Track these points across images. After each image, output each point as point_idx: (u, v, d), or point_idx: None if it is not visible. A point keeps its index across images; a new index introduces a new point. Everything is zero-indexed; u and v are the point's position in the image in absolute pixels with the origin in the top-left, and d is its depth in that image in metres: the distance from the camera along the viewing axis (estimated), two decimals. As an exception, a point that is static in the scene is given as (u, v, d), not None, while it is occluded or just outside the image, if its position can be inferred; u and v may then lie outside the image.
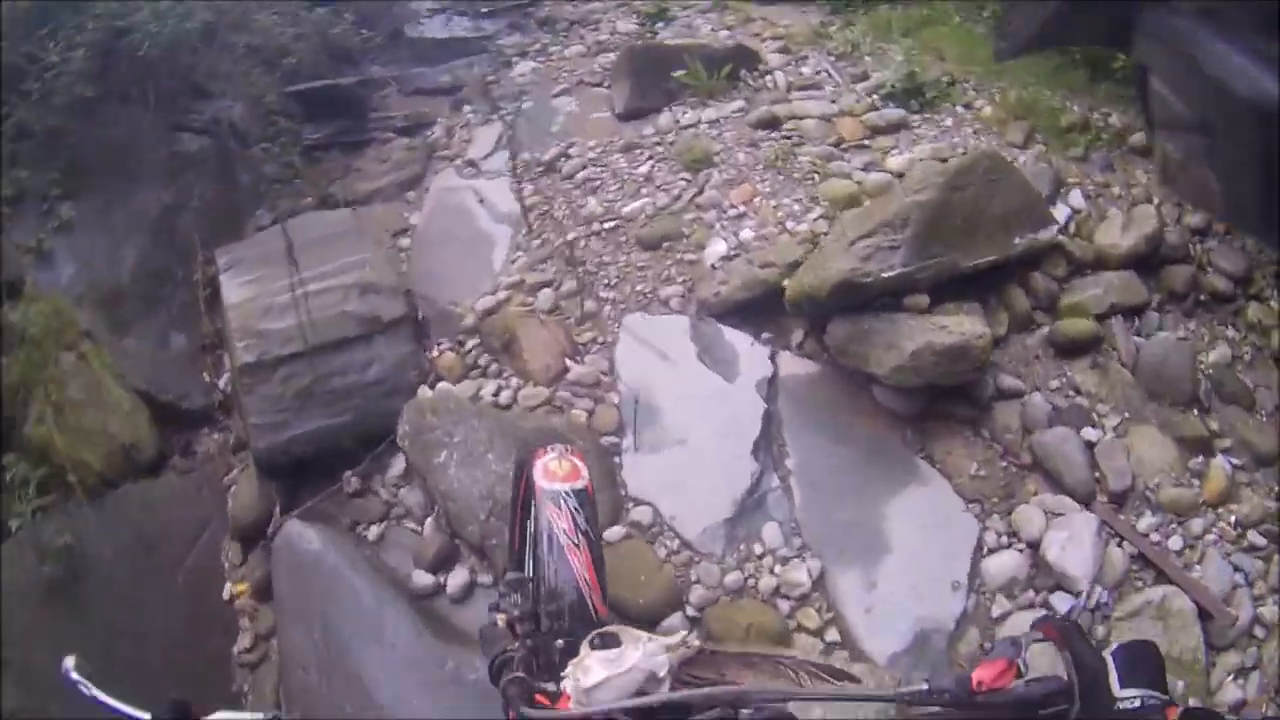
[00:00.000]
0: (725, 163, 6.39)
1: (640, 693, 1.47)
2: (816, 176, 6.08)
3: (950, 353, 4.68)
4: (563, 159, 7.01)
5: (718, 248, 5.79)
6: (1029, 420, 4.98)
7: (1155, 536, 4.64)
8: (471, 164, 7.49)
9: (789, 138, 6.51)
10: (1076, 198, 5.93)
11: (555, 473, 2.26)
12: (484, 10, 10.45)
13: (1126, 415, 5.06)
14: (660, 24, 8.67)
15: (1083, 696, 1.23)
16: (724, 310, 5.46)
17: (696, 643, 1.67)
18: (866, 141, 6.39)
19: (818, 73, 7.32)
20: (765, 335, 5.42)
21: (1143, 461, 4.86)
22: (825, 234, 5.60)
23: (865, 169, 6.11)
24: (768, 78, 7.32)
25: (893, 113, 6.52)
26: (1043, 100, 6.47)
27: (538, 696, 1.62)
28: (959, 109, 6.62)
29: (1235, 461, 5.03)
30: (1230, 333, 5.56)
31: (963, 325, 4.78)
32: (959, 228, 5.04)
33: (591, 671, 1.49)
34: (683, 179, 6.33)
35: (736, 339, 5.39)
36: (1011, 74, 6.78)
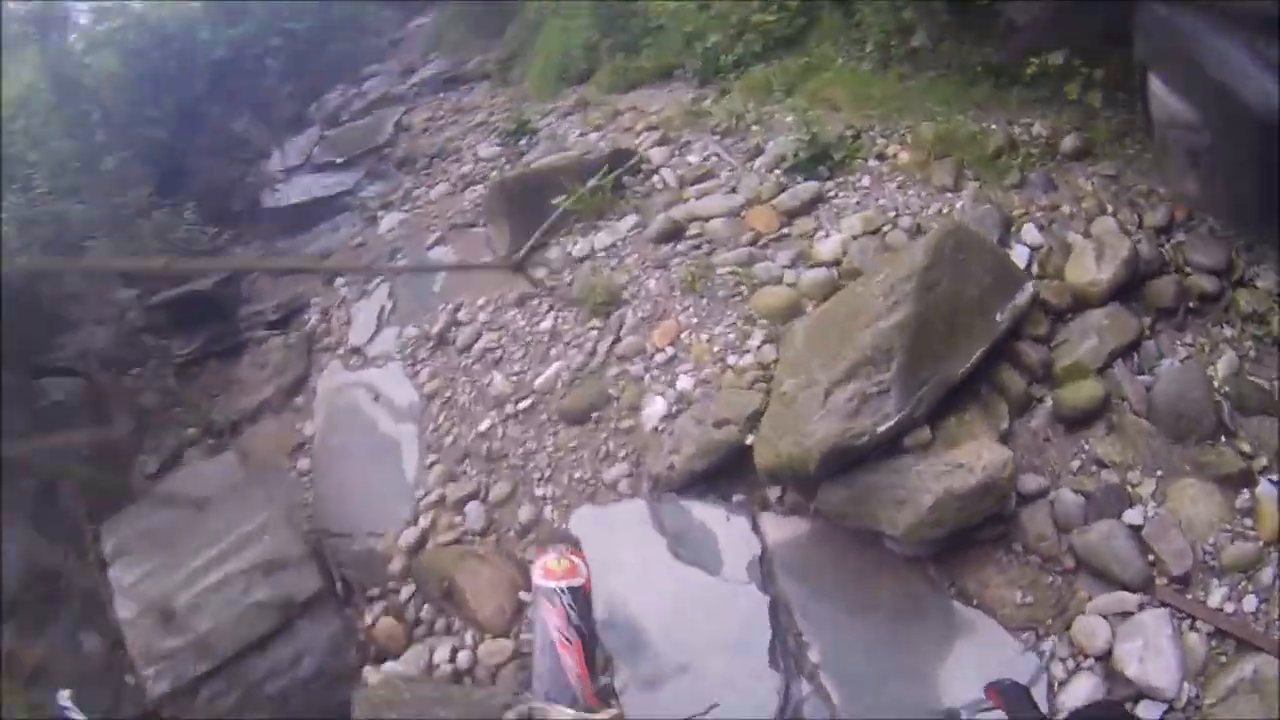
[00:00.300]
0: (636, 296, 5.53)
1: None
2: (744, 289, 5.23)
3: (974, 495, 3.89)
4: (454, 328, 6.13)
5: (656, 407, 4.89)
6: (1062, 519, 4.17)
7: (1229, 607, 3.87)
8: (356, 352, 6.60)
9: (698, 247, 5.70)
10: (1031, 233, 5.15)
11: (554, 570, 2.32)
12: (339, 162, 9.77)
13: (1160, 473, 4.30)
14: (523, 140, 7.83)
15: None
16: (683, 483, 4.56)
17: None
18: (785, 230, 5.56)
19: (707, 158, 6.51)
20: (737, 499, 4.52)
21: (1192, 523, 4.10)
22: (774, 361, 4.75)
23: (794, 265, 5.29)
24: (655, 178, 6.49)
25: (804, 188, 5.71)
26: (958, 128, 5.73)
27: None
28: (872, 162, 5.82)
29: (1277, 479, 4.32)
30: (1227, 331, 4.80)
31: (981, 457, 3.98)
32: (943, 333, 4.28)
33: None
34: (593, 328, 5.46)
35: (707, 515, 4.50)
36: (914, 106, 6.04)
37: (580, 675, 2.06)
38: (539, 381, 5.34)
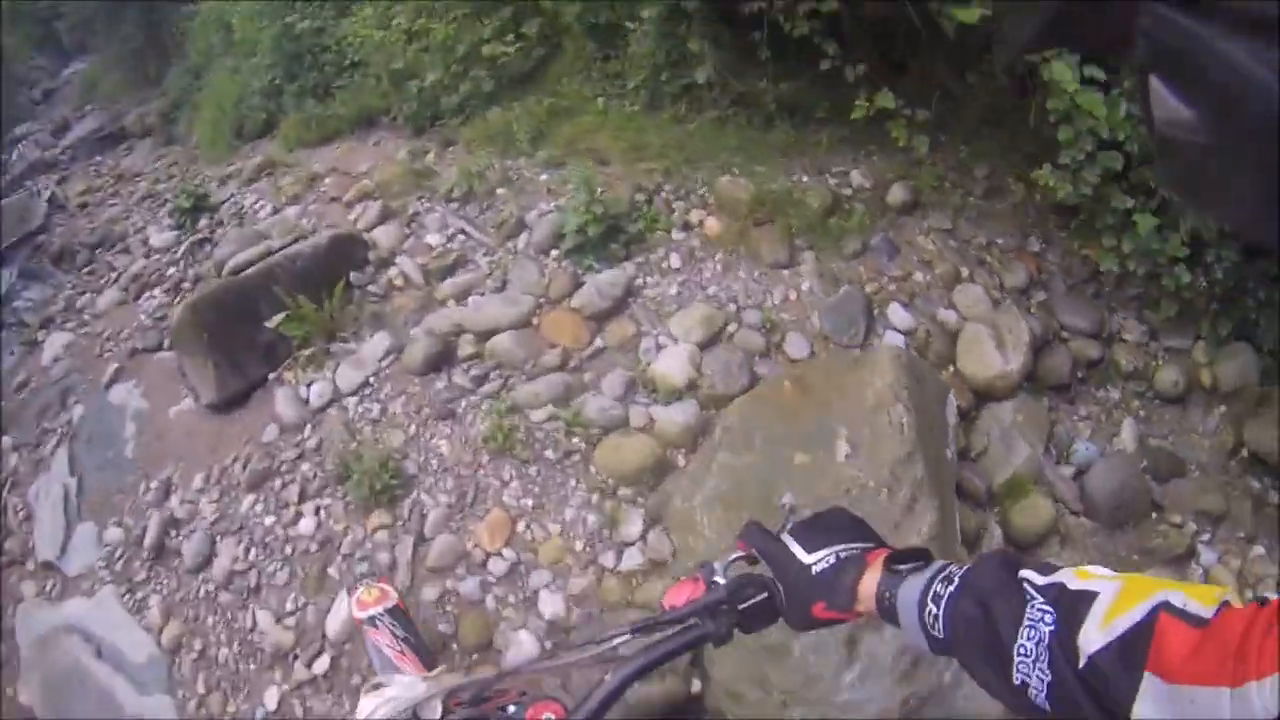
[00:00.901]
0: (427, 470, 3.68)
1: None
2: (578, 443, 3.63)
3: None
4: (171, 531, 3.93)
5: (523, 648, 3.16)
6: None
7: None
8: (51, 570, 4.16)
9: (485, 378, 3.97)
10: (897, 314, 4.05)
11: (367, 601, 2.34)
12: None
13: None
14: (202, 219, 5.54)
15: (780, 581, 1.17)
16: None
17: (457, 676, 1.75)
18: (599, 342, 4.02)
19: (451, 238, 4.73)
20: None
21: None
22: (673, 550, 3.27)
23: (629, 396, 3.80)
24: (391, 270, 4.61)
25: (607, 280, 4.17)
26: (766, 182, 4.51)
27: None
28: (677, 234, 4.41)
29: (1215, 545, 3.95)
30: (1113, 394, 4.24)
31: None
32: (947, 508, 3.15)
33: (361, 709, 1.57)
34: (380, 527, 3.55)
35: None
36: (703, 156, 4.73)
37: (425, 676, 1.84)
38: (332, 625, 3.35)
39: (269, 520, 3.77)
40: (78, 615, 3.86)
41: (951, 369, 4.04)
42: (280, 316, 4.28)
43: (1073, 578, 0.90)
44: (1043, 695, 0.87)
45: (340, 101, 5.82)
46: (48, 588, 4.08)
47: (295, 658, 3.42)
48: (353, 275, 4.60)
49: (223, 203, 5.61)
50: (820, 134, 4.72)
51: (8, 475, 4.70)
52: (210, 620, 3.61)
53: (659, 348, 3.98)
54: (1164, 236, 3.92)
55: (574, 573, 3.35)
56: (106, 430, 4.58)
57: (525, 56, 5.22)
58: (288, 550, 3.66)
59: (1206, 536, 3.94)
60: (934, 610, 1.00)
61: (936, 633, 1.01)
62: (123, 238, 5.90)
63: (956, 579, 1.01)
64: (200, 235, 5.32)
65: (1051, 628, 0.87)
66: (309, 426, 4.05)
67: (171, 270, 5.26)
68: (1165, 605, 0.80)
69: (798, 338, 4.03)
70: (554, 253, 4.47)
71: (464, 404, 3.92)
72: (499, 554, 3.43)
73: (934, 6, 4.24)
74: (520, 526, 3.49)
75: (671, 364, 3.87)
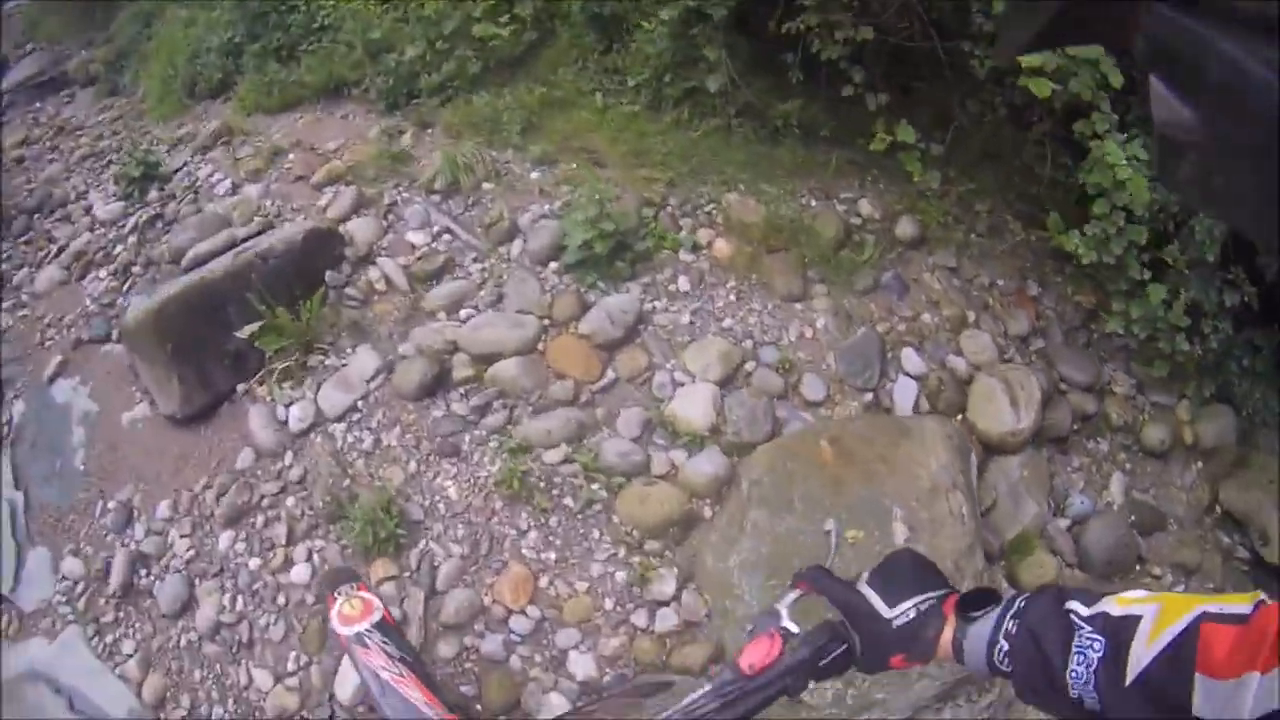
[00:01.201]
0: (434, 515, 3.33)
1: None
2: (601, 491, 3.34)
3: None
4: (141, 569, 3.47)
5: (554, 710, 2.91)
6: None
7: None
8: (3, 603, 3.66)
9: (487, 407, 3.62)
10: (911, 360, 3.93)
11: (351, 616, 2.13)
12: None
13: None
14: (152, 190, 4.89)
15: (857, 630, 1.15)
16: None
17: None
18: (610, 373, 3.71)
19: (436, 236, 4.30)
20: None
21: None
22: (707, 612, 3.11)
23: (646, 437, 3.53)
24: (371, 273, 4.15)
25: (617, 304, 3.86)
26: (776, 204, 4.28)
27: None
28: (685, 255, 4.13)
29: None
30: (1102, 446, 4.26)
31: None
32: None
33: None
34: (387, 578, 3.20)
35: None
36: (708, 169, 4.45)
37: (428, 700, 1.91)
38: (343, 688, 2.98)
39: (254, 563, 3.37)
40: (43, 660, 3.33)
41: (960, 417, 4.03)
42: (254, 327, 3.80)
43: (1115, 605, 0.95)
44: (1098, 709, 0.91)
45: (306, 67, 5.16)
46: (4, 624, 3.56)
47: (296, 717, 3.16)
48: (328, 274, 4.20)
49: (175, 172, 4.93)
50: (828, 154, 4.51)
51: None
52: (197, 674, 3.22)
53: (675, 384, 3.75)
54: (1168, 304, 4.01)
55: (604, 632, 3.13)
56: (51, 435, 4.00)
57: (515, 40, 4.79)
58: (280, 600, 3.28)
59: (1181, 588, 4.06)
60: (1004, 647, 1.04)
61: (1005, 668, 1.04)
62: (63, 203, 5.15)
63: (1016, 615, 1.04)
64: (151, 210, 4.68)
65: (1100, 654, 0.91)
66: (290, 454, 3.60)
67: (120, 250, 4.62)
68: (1204, 615, 0.85)
69: (814, 380, 3.88)
70: (553, 265, 4.14)
71: (468, 439, 3.58)
72: (522, 611, 3.20)
73: (965, 46, 4.15)
74: (543, 582, 3.24)
75: (692, 405, 3.65)
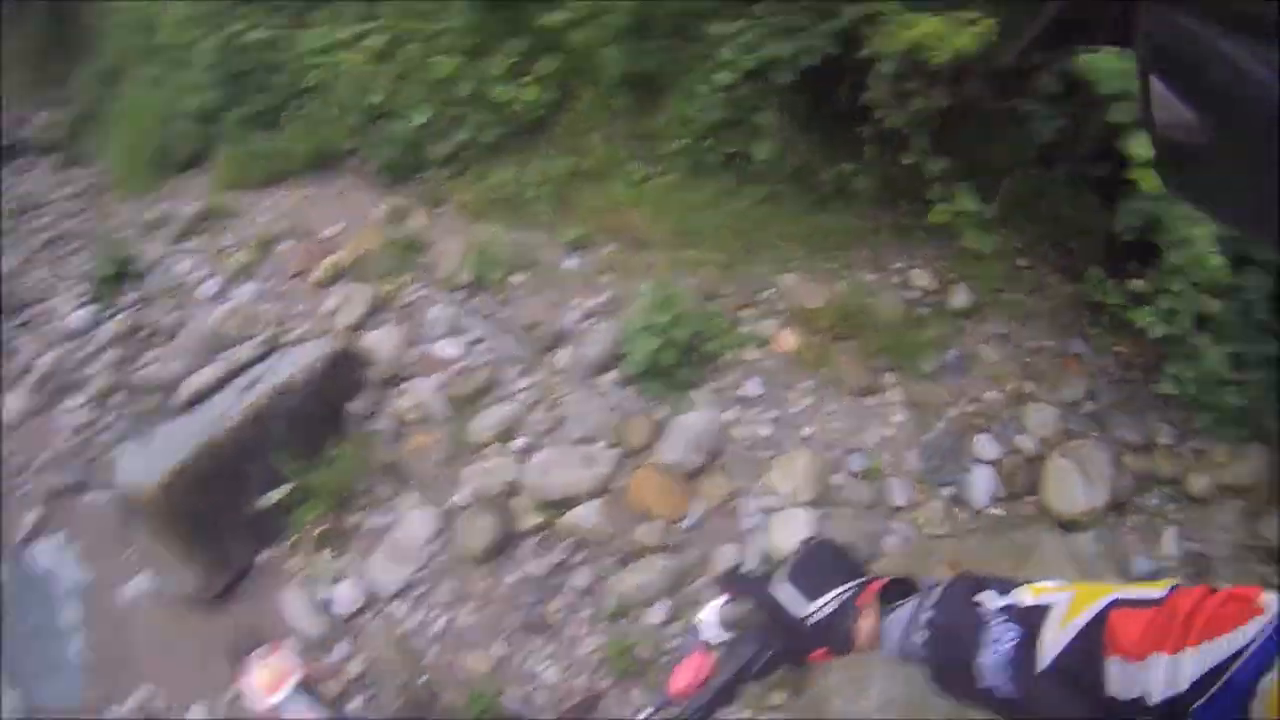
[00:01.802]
0: (533, 708, 3.00)
1: None
2: None
3: None
4: None
5: None
6: None
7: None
8: None
9: (568, 565, 3.29)
10: (984, 445, 3.77)
11: (270, 684, 2.03)
12: None
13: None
14: (127, 290, 4.34)
15: (777, 631, 1.16)
16: None
17: None
18: (697, 504, 3.39)
19: (468, 349, 3.84)
20: None
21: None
22: None
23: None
24: (401, 399, 3.69)
25: (692, 423, 3.49)
26: (834, 284, 4.02)
27: None
28: (751, 353, 3.80)
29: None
30: (1152, 501, 4.25)
31: None
32: None
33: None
34: None
35: None
36: (760, 244, 4.14)
37: None
38: None
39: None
40: None
41: (1032, 498, 4.02)
42: (282, 492, 3.35)
43: (1029, 595, 0.96)
44: (1012, 696, 0.92)
45: (292, 135, 4.45)
46: None
47: None
48: (349, 405, 3.74)
49: (150, 268, 4.31)
50: (876, 220, 4.24)
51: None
52: None
53: (765, 511, 3.61)
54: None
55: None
56: (38, 614, 3.38)
57: (536, 102, 4.27)
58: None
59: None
60: (918, 636, 1.04)
61: (919, 656, 1.04)
62: (27, 305, 4.49)
63: (930, 608, 1.03)
64: (127, 317, 4.10)
65: (1013, 643, 0.92)
66: (345, 644, 3.18)
67: (95, 368, 4.07)
68: (1116, 602, 0.87)
69: (899, 483, 3.66)
70: (610, 376, 3.86)
71: (555, 607, 3.34)
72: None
73: (1031, 108, 3.95)
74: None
75: (789, 535, 3.34)
